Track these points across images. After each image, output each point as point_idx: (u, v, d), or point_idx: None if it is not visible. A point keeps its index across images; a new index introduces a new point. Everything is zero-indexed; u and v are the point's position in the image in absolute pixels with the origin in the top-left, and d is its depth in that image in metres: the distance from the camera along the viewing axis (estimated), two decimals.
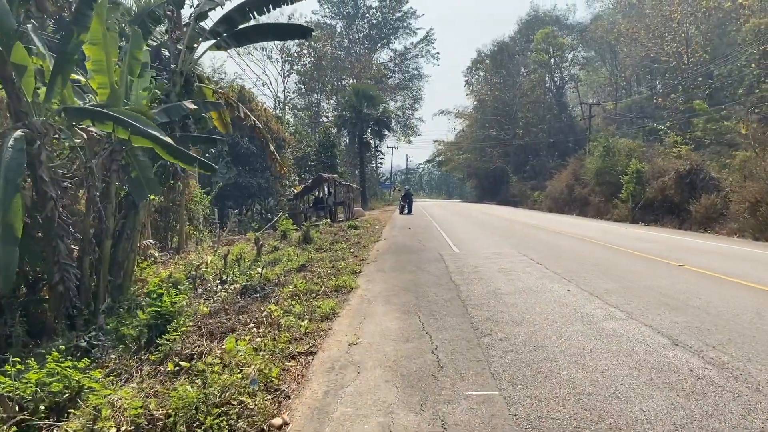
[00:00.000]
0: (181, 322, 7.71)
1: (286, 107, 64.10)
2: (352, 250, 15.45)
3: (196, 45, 13.60)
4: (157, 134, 8.67)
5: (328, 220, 30.35)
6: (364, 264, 12.87)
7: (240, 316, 8.22)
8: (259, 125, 14.53)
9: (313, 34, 61.37)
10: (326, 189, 36.27)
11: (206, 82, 14.42)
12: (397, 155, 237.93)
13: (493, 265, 11.84)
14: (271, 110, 41.06)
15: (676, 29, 52.57)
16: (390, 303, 8.44)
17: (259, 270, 11.98)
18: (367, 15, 78.04)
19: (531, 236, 19.08)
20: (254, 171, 34.16)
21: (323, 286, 9.89)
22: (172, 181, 13.25)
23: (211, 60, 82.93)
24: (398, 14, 78.13)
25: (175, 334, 6.90)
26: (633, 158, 31.82)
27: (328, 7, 76.32)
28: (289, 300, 8.92)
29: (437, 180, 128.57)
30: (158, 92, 12.28)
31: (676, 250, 14.29)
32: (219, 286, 10.83)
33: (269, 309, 8.21)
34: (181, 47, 13.57)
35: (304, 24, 60.88)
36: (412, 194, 40.43)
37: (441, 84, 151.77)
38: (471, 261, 12.60)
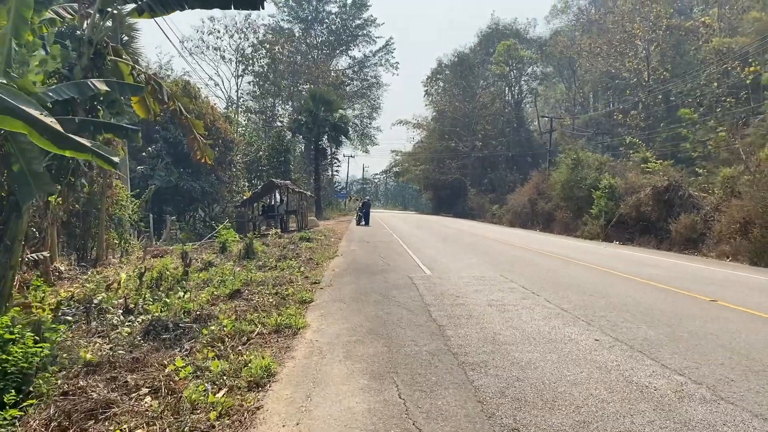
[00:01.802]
0: (41, 382, 5.11)
1: (239, 109, 60.94)
2: (302, 270, 12.82)
3: (111, 9, 10.85)
4: (35, 114, 5.94)
5: (279, 230, 27.59)
6: (316, 289, 10.26)
7: (130, 376, 5.58)
8: (182, 108, 11.81)
9: (269, 36, 58.81)
10: (278, 196, 33.47)
11: (124, 57, 11.63)
12: (353, 164, 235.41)
13: (478, 294, 9.42)
14: (220, 109, 38.02)
15: (638, 46, 52.20)
16: (352, 357, 5.89)
17: (180, 296, 9.28)
18: (327, 20, 75.79)
19: (507, 255, 16.84)
20: (198, 174, 31.08)
21: (259, 325, 7.26)
22: (72, 178, 10.40)
23: (157, 55, 79.03)
24: (358, 21, 76.13)
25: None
26: (604, 172, 30.21)
27: (287, 11, 73.61)
28: (209, 348, 6.30)
29: (393, 191, 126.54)
30: (58, 65, 9.37)
31: (687, 279, 12.17)
32: (122, 318, 8.10)
33: (174, 366, 5.58)
34: (91, 11, 10.83)
35: None
36: (371, 205, 37.97)
37: (400, 94, 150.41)
38: (449, 288, 10.15)
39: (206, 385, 5.13)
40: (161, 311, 8.30)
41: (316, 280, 11.18)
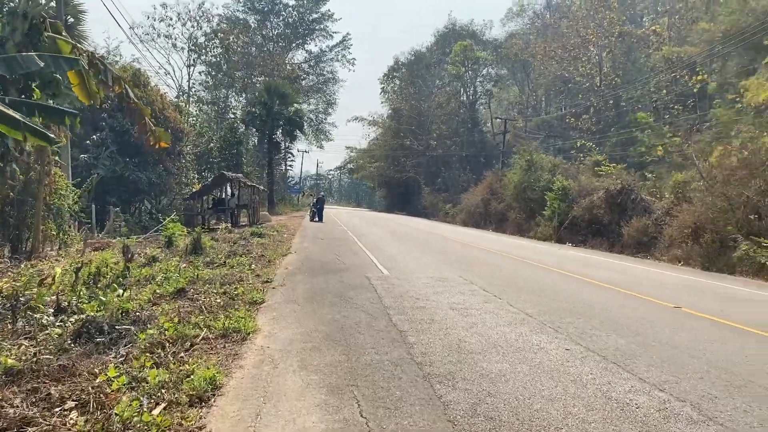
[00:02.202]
0: None
1: (191, 99, 59.12)
2: (253, 267, 12.16)
3: None
4: None
5: (229, 225, 26.66)
6: (268, 289, 9.64)
7: (55, 387, 4.94)
8: (130, 93, 11.00)
9: (223, 26, 57.28)
10: (229, 189, 32.44)
11: (64, 34, 10.73)
12: (307, 160, 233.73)
13: (439, 297, 9.01)
14: (170, 98, 36.62)
15: (591, 51, 53.17)
16: (307, 367, 5.36)
17: (119, 294, 8.54)
18: (283, 13, 74.36)
19: (464, 255, 16.56)
20: (145, 164, 29.78)
21: (205, 329, 6.65)
22: (0, 163, 9.49)
23: (105, 40, 76.17)
24: (315, 15, 74.95)
25: None
26: (558, 174, 30.44)
27: (242, 1, 71.86)
28: (147, 354, 5.67)
29: (347, 187, 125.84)
30: None
31: (646, 284, 12.09)
32: (53, 317, 7.34)
33: (106, 376, 4.95)
34: None
35: None
36: (325, 201, 37.29)
37: (356, 90, 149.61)
38: (409, 289, 9.71)
39: (142, 399, 4.53)
40: (97, 311, 7.57)
41: (267, 279, 10.56)
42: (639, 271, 15.04)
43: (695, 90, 40.24)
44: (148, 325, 6.89)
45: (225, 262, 12.71)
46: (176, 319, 6.94)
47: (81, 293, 8.69)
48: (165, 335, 6.31)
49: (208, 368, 5.19)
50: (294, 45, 76.58)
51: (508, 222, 35.39)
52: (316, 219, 33.43)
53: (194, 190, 33.17)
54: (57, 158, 17.28)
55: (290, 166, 73.54)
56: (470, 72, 68.54)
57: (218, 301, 8.29)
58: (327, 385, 4.87)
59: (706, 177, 19.16)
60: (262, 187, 40.36)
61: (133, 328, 6.82)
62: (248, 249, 15.49)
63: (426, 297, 8.97)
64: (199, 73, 61.58)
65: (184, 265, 12.44)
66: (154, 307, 7.86)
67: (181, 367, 5.31)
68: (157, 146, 12.19)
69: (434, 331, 6.78)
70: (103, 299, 8.01)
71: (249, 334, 6.55)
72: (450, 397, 4.59)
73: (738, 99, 35.38)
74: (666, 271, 15.46)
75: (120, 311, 7.43)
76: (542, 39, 62.25)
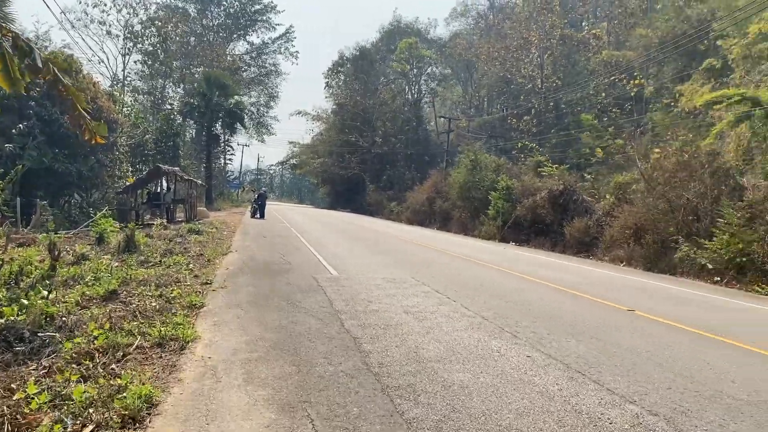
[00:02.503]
0: None
1: (126, 89, 56.63)
2: (192, 267, 11.46)
3: None
4: None
5: (165, 221, 25.53)
6: (208, 291, 9.02)
7: None
8: (63, 80, 10.10)
9: (161, 14, 55.11)
10: (165, 183, 31.15)
11: None
12: (247, 154, 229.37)
13: (392, 300, 8.63)
14: (103, 87, 34.83)
15: (533, 53, 54.14)
16: (254, 381, 4.88)
17: (43, 296, 7.77)
18: (225, 3, 72.29)
19: (413, 254, 16.26)
20: (75, 156, 28.15)
21: (139, 336, 6.04)
22: None
23: (34, 24, 72.12)
24: (258, 6, 73.24)
25: None
26: (502, 174, 30.67)
27: None
28: (73, 366, 5.06)
29: (289, 183, 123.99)
30: None
31: (596, 285, 12.11)
32: None
33: (24, 392, 4.35)
34: None
35: None
36: (267, 197, 36.35)
37: (299, 84, 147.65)
38: (360, 291, 9.29)
39: (66, 420, 3.98)
40: (17, 315, 6.83)
41: (207, 280, 9.92)
42: (585, 271, 15.16)
43: (633, 94, 41.57)
44: (76, 332, 6.25)
45: (161, 261, 11.95)
46: (107, 325, 6.30)
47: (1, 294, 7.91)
48: (94, 344, 5.69)
49: (142, 383, 4.65)
50: (235, 36, 74.68)
51: (452, 221, 35.49)
52: (258, 216, 32.52)
53: (128, 183, 31.70)
54: None
55: (230, 160, 71.76)
56: (415, 70, 68.69)
57: (153, 304, 7.65)
58: (277, 402, 4.41)
59: (647, 179, 19.57)
60: (200, 182, 39.01)
61: (58, 335, 6.15)
62: (186, 247, 14.71)
63: (378, 300, 8.58)
64: (135, 62, 59.09)
65: (117, 264, 11.62)
66: (82, 311, 7.17)
67: (111, 382, 4.74)
68: (93, 141, 11.21)
69: (390, 337, 6.40)
70: (25, 302, 7.24)
71: (188, 342, 5.99)
72: (413, 414, 4.22)
73: (673, 103, 36.79)
74: (610, 271, 15.65)
75: (44, 316, 6.72)
76: (486, 40, 63.00)
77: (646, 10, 47.11)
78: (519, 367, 5.45)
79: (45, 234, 15.25)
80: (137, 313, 7.14)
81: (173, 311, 7.34)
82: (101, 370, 5.06)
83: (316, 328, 6.73)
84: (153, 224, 23.67)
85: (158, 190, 31.07)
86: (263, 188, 38.68)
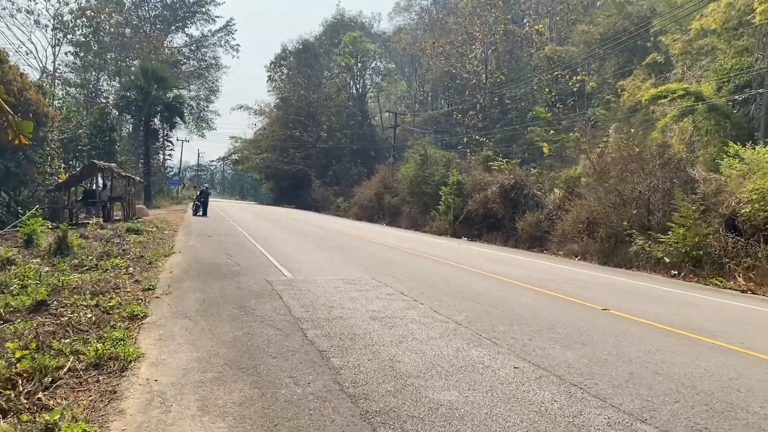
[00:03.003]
0: None
1: (56, 82, 53.58)
2: (132, 270, 10.49)
3: None
4: None
5: (101, 219, 24.04)
6: (151, 299, 8.14)
7: None
8: None
9: (93, 3, 52.39)
10: (100, 180, 29.44)
11: None
12: (187, 149, 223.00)
13: (355, 304, 7.99)
14: (31, 78, 32.61)
15: (478, 48, 54.40)
16: (211, 410, 4.16)
17: None
18: None
19: (367, 252, 15.64)
20: (1, 151, 26.21)
21: (72, 356, 5.20)
22: None
23: None
24: None
25: None
26: (452, 169, 30.45)
27: None
28: None
29: (231, 179, 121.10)
30: None
31: (560, 282, 11.79)
32: None
33: None
34: None
35: None
36: (209, 193, 34.97)
37: (241, 79, 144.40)
38: (319, 295, 8.60)
39: None
40: None
41: (149, 286, 9.00)
42: (545, 267, 14.91)
43: (575, 89, 42.26)
44: None
45: (97, 264, 10.91)
46: (33, 344, 5.41)
47: None
48: (17, 368, 4.82)
49: (75, 418, 3.88)
50: (173, 28, 71.95)
51: (402, 216, 35.12)
52: (200, 213, 31.20)
53: (60, 180, 29.83)
54: None
55: (169, 155, 69.34)
56: (360, 64, 67.96)
57: (89, 316, 6.76)
58: None
59: (599, 172, 19.61)
60: (138, 178, 37.19)
61: None
62: (124, 248, 13.61)
63: (341, 304, 7.92)
64: (66, 53, 56.03)
65: (47, 268, 10.53)
66: (4, 326, 6.24)
67: (37, 417, 3.94)
68: (17, 142, 9.98)
69: (360, 349, 5.77)
70: None
71: (130, 361, 5.20)
72: None
73: (614, 99, 37.52)
74: (568, 266, 15.49)
75: None
76: (430, 35, 62.95)
77: (587, 6, 47.92)
78: (509, 381, 4.92)
79: None
80: (70, 327, 6.25)
81: (112, 324, 6.49)
82: (25, 401, 4.25)
83: (276, 341, 6.03)
84: (88, 223, 22.22)
85: (93, 188, 29.33)
86: (205, 184, 37.25)
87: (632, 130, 28.94)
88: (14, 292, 8.09)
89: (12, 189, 29.13)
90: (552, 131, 36.62)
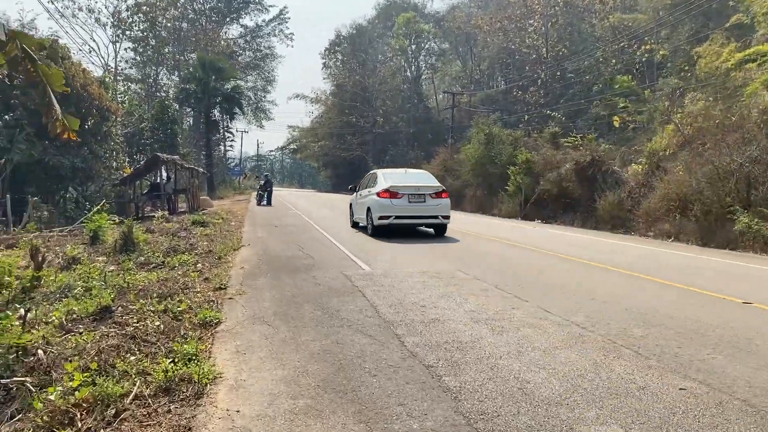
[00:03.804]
0: None
1: (118, 78, 54.61)
2: (200, 267, 9.84)
3: None
4: None
5: (166, 212, 23.93)
6: (223, 300, 7.39)
7: None
8: (28, 52, 8.36)
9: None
10: (164, 173, 29.49)
11: None
12: (247, 140, 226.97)
13: (450, 303, 6.98)
14: (92, 73, 32.95)
15: (537, 22, 52.10)
16: None
17: (20, 315, 6.16)
18: None
19: (444, 240, 14.61)
20: (68, 148, 26.46)
21: (138, 380, 4.43)
22: None
23: (19, 12, 69.83)
24: None
25: None
26: (519, 147, 28.94)
27: None
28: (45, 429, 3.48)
29: (290, 168, 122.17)
30: None
31: (672, 269, 10.33)
32: None
33: None
34: None
35: None
36: (273, 183, 34.69)
37: (296, 67, 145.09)
38: (406, 292, 7.64)
39: None
40: None
41: (221, 284, 8.26)
42: (642, 251, 13.45)
43: (643, 59, 39.65)
44: (54, 373, 4.65)
45: (164, 261, 10.33)
46: (94, 364, 4.67)
47: None
48: (75, 397, 4.07)
49: None
50: (228, 19, 72.37)
51: (465, 199, 33.85)
52: (264, 203, 30.89)
53: (125, 174, 30.08)
54: None
55: (230, 146, 70.02)
56: (414, 46, 66.52)
57: (157, 323, 6.02)
58: None
59: (690, 143, 17.85)
60: (201, 170, 37.35)
61: (29, 381, 4.55)
62: (191, 243, 13.06)
63: (433, 303, 6.94)
64: (125, 49, 57.06)
65: (112, 267, 10.01)
66: (65, 338, 5.57)
67: None
68: (66, 136, 9.34)
69: (472, 363, 4.77)
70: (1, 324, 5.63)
71: (206, 384, 4.37)
72: None
73: (687, 68, 34.85)
74: (665, 249, 13.98)
75: (14, 349, 5.13)
76: (485, 11, 60.83)
77: None
78: (683, 410, 3.80)
79: (28, 234, 13.66)
80: (136, 339, 5.52)
81: (182, 333, 5.74)
82: None
83: (371, 351, 5.11)
84: (154, 217, 22.09)
85: (158, 181, 29.42)
86: (266, 173, 36.99)
87: (710, 99, 26.60)
88: (78, 296, 7.51)
89: (79, 185, 29.56)
90: (634, 102, 34.16)
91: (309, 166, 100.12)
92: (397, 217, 14.67)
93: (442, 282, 8.36)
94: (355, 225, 17.54)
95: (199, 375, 4.48)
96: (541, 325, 5.95)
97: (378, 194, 14.88)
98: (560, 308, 6.73)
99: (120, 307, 6.67)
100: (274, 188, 33.94)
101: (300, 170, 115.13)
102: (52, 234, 17.96)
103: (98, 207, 21.50)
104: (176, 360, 4.86)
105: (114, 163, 32.09)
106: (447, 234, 15.51)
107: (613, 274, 9.60)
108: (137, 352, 5.13)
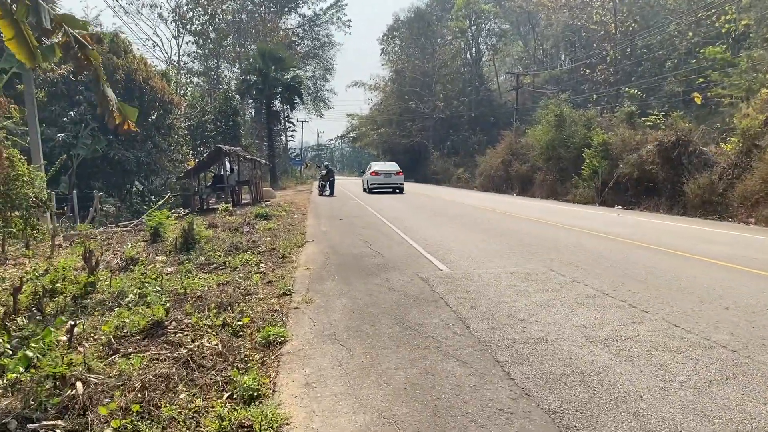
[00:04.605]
0: None
1: (181, 72, 55.32)
2: (263, 266, 9.05)
3: None
4: None
5: (230, 204, 23.61)
6: (289, 309, 6.50)
7: None
8: (76, 38, 7.69)
9: None
10: (227, 165, 29.28)
11: None
12: (307, 130, 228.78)
13: (553, 315, 5.83)
14: (154, 66, 33.09)
15: None
16: None
17: (66, 332, 5.49)
18: None
19: (526, 232, 13.15)
20: (132, 141, 26.62)
21: (187, 427, 3.59)
22: None
23: (83, 10, 71.78)
24: None
25: None
26: (594, 128, 27.08)
27: None
28: None
29: (349, 156, 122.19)
30: None
31: None
32: None
33: None
34: None
35: None
36: (335, 172, 34.09)
37: (355, 55, 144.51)
38: (495, 299, 6.54)
39: None
40: (19, 374, 4.59)
41: (285, 289, 7.39)
42: (752, 242, 11.86)
43: (723, 31, 36.61)
44: (90, 414, 3.86)
45: (225, 261, 9.62)
46: (136, 407, 3.85)
47: (11, 334, 5.75)
48: None
49: None
50: (287, 9, 72.27)
51: (534, 185, 32.22)
52: (327, 193, 30.27)
53: (189, 167, 30.09)
54: (5, 137, 14.24)
55: (291, 136, 70.16)
56: (474, 27, 64.46)
57: (214, 343, 5.20)
58: None
59: None
60: (263, 161, 37.11)
61: (61, 425, 3.78)
62: (254, 239, 12.35)
63: (533, 315, 5.83)
64: (187, 43, 57.72)
65: (171, 269, 9.38)
66: (110, 362, 4.82)
67: None
68: (126, 127, 8.64)
69: (609, 407, 3.67)
70: (29, 354, 4.94)
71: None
72: None
73: None
74: None
75: (51, 379, 4.40)
76: None
77: None
78: None
79: (81, 237, 13.29)
80: (189, 365, 4.70)
81: (243, 355, 4.90)
82: None
83: (471, 387, 4.08)
84: (217, 209, 21.75)
85: (221, 173, 29.26)
86: (326, 163, 36.43)
87: None
88: (130, 306, 6.83)
89: (144, 178, 29.76)
90: (725, 75, 31.26)
91: (369, 154, 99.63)
92: (379, 185, 31.65)
93: (536, 286, 7.22)
94: (364, 190, 32.86)
95: (261, 420, 3.58)
96: (679, 348, 4.76)
97: (371, 174, 32.56)
98: (693, 322, 5.49)
99: (174, 322, 5.90)
100: (338, 178, 33.38)
101: (360, 158, 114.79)
102: (116, 230, 17.79)
103: (162, 201, 21.35)
104: (235, 395, 4.00)
105: (178, 156, 32.23)
106: (522, 227, 14.22)
107: (736, 273, 8.17)
108: (190, 383, 4.30)
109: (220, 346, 5.20)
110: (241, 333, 5.54)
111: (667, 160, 21.14)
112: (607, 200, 23.69)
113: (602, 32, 50.28)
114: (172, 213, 26.69)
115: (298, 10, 72.84)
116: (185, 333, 5.58)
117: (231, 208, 20.97)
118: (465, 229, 13.88)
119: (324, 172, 31.43)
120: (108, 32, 31.49)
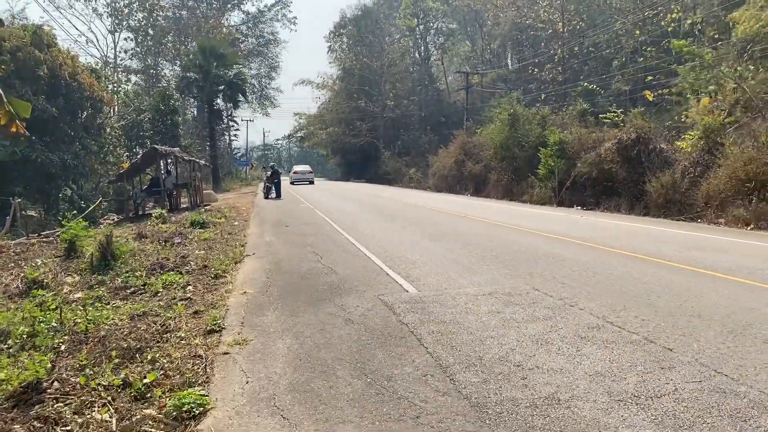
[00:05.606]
0: None
1: (118, 69, 52.31)
2: (190, 290, 7.53)
3: None
4: None
5: (167, 210, 21.71)
6: (216, 355, 5.03)
7: None
8: None
9: None
10: (164, 167, 27.25)
11: None
12: (252, 129, 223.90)
13: (555, 356, 4.60)
14: (84, 62, 30.66)
15: None
16: None
17: None
18: None
19: (494, 239, 11.90)
20: (57, 143, 24.36)
21: None
22: None
23: (8, 2, 67.44)
24: None
25: None
26: (550, 126, 26.35)
27: None
28: None
29: (297, 157, 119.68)
30: None
31: None
32: None
33: None
34: None
35: None
36: (280, 172, 32.31)
37: (301, 52, 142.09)
38: (478, 334, 5.25)
39: None
40: None
41: (213, 324, 5.88)
42: (731, 245, 10.99)
43: (669, 29, 36.83)
44: None
45: (145, 284, 8.02)
46: None
47: None
48: None
49: None
50: (229, 6, 69.90)
51: (489, 185, 31.30)
52: (273, 195, 28.55)
53: (123, 169, 27.90)
54: None
55: (235, 136, 67.82)
56: (422, 26, 63.78)
57: (105, 417, 3.72)
58: None
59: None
60: (203, 162, 35.00)
61: None
62: (184, 252, 10.74)
63: (532, 358, 4.56)
64: (125, 39, 54.76)
65: (80, 294, 7.74)
66: None
67: None
68: (14, 129, 6.91)
69: None
70: None
71: None
72: None
73: (720, 36, 31.93)
74: (757, 241, 11.51)
75: None
76: None
77: None
78: None
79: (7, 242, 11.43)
80: None
81: None
82: None
83: None
84: (150, 215, 19.87)
85: (160, 175, 27.21)
86: (272, 163, 34.66)
87: (751, 67, 23.69)
88: (13, 350, 5.25)
89: (73, 182, 27.37)
90: (689, 69, 30.71)
91: (317, 154, 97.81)
92: (298, 180, 48.23)
93: (523, 312, 5.96)
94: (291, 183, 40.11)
95: None
96: (736, 409, 3.56)
97: (293, 173, 51.69)
98: (734, 365, 4.32)
99: (57, 381, 4.36)
100: (282, 178, 31.56)
101: (308, 158, 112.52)
102: (33, 242, 15.79)
103: (93, 206, 19.35)
104: None
105: (111, 158, 29.96)
106: (486, 231, 13.05)
107: (748, 290, 7.12)
108: None
109: (114, 422, 3.72)
110: (145, 398, 4.07)
111: (626, 159, 20.49)
112: (564, 200, 22.94)
113: (550, 31, 50.33)
114: (104, 220, 24.49)
115: (242, 6, 70.67)
116: (69, 400, 4.06)
117: (166, 215, 19.11)
118: (426, 236, 12.57)
119: (269, 173, 29.72)
120: (31, 24, 28.90)
